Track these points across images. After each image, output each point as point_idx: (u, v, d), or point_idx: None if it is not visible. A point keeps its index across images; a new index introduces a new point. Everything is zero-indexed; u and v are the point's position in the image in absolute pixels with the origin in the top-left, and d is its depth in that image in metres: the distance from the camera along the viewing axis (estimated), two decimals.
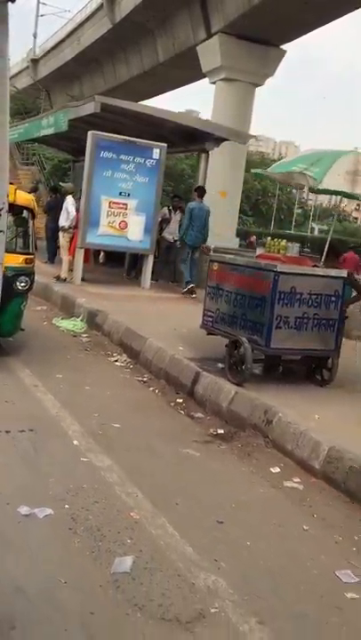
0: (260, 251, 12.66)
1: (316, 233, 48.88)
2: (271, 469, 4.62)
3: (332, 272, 5.98)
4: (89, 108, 10.85)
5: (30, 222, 6.58)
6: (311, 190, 6.22)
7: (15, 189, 6.24)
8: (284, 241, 6.42)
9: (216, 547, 3.41)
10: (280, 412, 5.12)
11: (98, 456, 4.44)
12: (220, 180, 19.95)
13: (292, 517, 3.93)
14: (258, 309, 5.79)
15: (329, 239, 7.08)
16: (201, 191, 11.66)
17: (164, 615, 2.76)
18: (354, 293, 6.63)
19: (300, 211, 58.17)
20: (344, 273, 5.95)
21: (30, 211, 6.55)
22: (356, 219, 65.96)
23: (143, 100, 37.30)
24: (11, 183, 11.86)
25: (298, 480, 4.47)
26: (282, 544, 3.58)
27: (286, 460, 4.77)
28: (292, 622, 2.85)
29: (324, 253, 6.59)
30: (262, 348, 5.77)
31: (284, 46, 25.31)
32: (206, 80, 26.25)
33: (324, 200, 56.40)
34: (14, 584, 2.82)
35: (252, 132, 22.18)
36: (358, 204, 50.79)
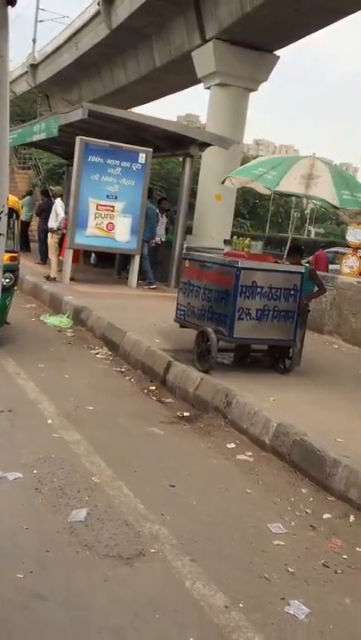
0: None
1: (312, 236, 49.39)
2: (227, 445, 5.11)
3: (291, 267, 6.47)
4: (77, 114, 11.36)
5: (15, 222, 7.07)
6: (273, 191, 6.68)
7: None
8: (248, 239, 6.85)
9: (164, 504, 3.90)
10: (239, 395, 5.60)
11: (69, 432, 4.93)
12: (215, 184, 20.46)
13: (238, 483, 4.41)
14: (223, 302, 6.28)
15: (290, 238, 7.56)
16: (150, 192, 12.77)
17: (108, 553, 3.25)
18: (315, 289, 7.14)
19: (297, 214, 58.74)
20: (302, 269, 6.43)
21: (15, 212, 7.05)
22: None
23: (142, 104, 37.75)
24: None
25: (250, 454, 4.95)
26: (224, 503, 4.06)
27: (242, 438, 5.25)
28: (220, 561, 3.33)
29: (286, 251, 7.07)
30: (226, 338, 6.26)
31: (278, 52, 25.80)
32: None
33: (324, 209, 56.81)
34: None
35: (252, 136, 22.65)
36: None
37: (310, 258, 16.28)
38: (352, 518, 3.98)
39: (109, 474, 4.25)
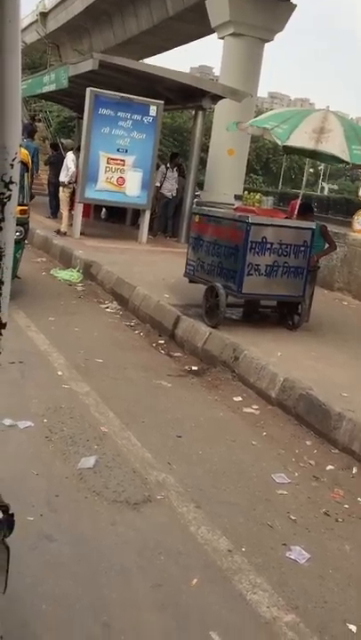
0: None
1: (325, 192, 48.64)
2: (234, 398, 5.18)
3: (301, 224, 6.42)
4: (88, 64, 11.13)
5: (24, 175, 7.03)
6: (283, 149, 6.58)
7: None
8: (259, 195, 6.77)
9: (171, 454, 3.99)
10: (246, 349, 5.65)
11: (78, 384, 5.02)
12: (228, 138, 20.08)
13: (243, 435, 4.49)
14: (232, 258, 6.27)
15: (301, 194, 7.47)
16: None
17: (116, 498, 3.35)
18: (326, 245, 7.10)
19: (311, 170, 57.77)
20: (312, 225, 6.38)
21: (24, 164, 6.99)
22: None
23: (154, 55, 36.85)
24: None
25: (256, 407, 5.03)
26: (229, 453, 4.15)
27: (249, 391, 5.32)
28: (224, 507, 3.43)
29: (297, 208, 7.00)
30: (235, 294, 6.27)
31: (294, 0, 24.95)
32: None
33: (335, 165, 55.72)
34: None
35: (266, 89, 22.09)
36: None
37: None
38: (355, 470, 4.07)
39: (118, 424, 4.34)
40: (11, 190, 1.17)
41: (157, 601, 2.61)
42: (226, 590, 2.75)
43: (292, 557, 3.05)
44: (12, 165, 1.15)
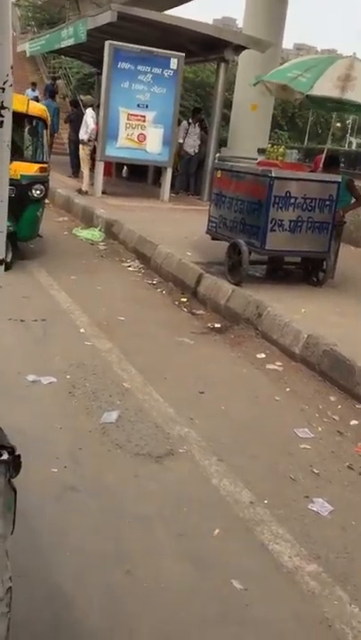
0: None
1: (353, 147, 47.41)
2: (257, 355, 5.15)
3: (327, 177, 6.24)
4: (106, 17, 10.84)
5: (44, 132, 6.94)
6: (307, 103, 6.36)
7: (28, 100, 6.57)
8: (283, 147, 6.57)
9: (193, 409, 3.99)
10: (270, 306, 5.59)
11: (100, 341, 5.03)
12: (251, 93, 19.51)
13: (267, 390, 4.47)
14: (255, 214, 6.15)
15: (326, 149, 7.26)
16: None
17: (139, 452, 3.37)
18: (353, 200, 6.92)
19: (338, 124, 56.16)
20: (338, 178, 6.21)
21: (43, 121, 6.90)
22: None
23: (175, 6, 35.81)
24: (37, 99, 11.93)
25: (279, 363, 4.99)
26: (252, 408, 4.14)
27: (272, 348, 5.28)
28: (246, 461, 3.43)
29: (322, 162, 6.81)
30: (258, 250, 6.18)
31: None
32: None
33: None
34: (17, 427, 3.43)
35: (292, 40, 21.34)
36: None
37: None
38: None
39: (140, 380, 4.35)
40: (3, 116, 1.12)
41: (179, 550, 2.64)
42: (248, 541, 2.77)
43: (314, 509, 3.05)
44: (2, 89, 1.10)
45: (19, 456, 1.38)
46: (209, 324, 5.85)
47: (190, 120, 13.11)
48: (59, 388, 4.06)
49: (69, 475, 3.07)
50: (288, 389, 4.53)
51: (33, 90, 17.90)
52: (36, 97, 15.83)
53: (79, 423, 3.62)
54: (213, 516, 2.90)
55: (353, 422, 4.07)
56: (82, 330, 5.24)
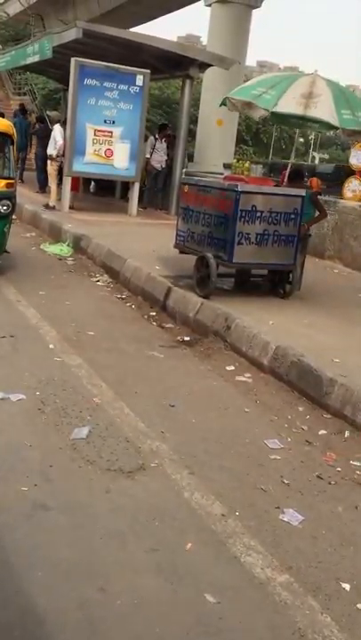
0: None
1: (316, 161, 48.27)
2: (227, 367, 5.19)
3: (292, 191, 6.36)
4: (72, 34, 10.90)
5: (10, 148, 6.92)
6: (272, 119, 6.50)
7: None
8: (248, 162, 6.68)
9: (164, 423, 4.00)
10: (238, 318, 5.64)
11: (70, 356, 5.00)
12: (216, 109, 19.75)
13: (236, 402, 4.51)
14: (222, 227, 6.22)
15: (290, 163, 7.40)
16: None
17: (110, 467, 3.36)
18: (317, 213, 7.06)
19: (301, 140, 57.20)
20: (303, 192, 6.33)
21: (9, 137, 6.88)
22: None
23: (140, 24, 36.10)
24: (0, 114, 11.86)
25: (248, 375, 5.04)
26: (222, 421, 4.17)
27: (241, 360, 5.32)
28: (218, 473, 3.45)
29: (287, 176, 6.93)
30: (226, 263, 6.24)
31: None
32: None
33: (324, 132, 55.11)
34: None
35: (255, 57, 21.74)
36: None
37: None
38: (347, 434, 4.10)
39: (110, 395, 4.34)
40: None
41: (153, 565, 2.64)
42: (220, 553, 2.78)
43: (285, 520, 3.08)
44: None
45: None
46: (178, 338, 5.87)
47: (157, 135, 13.21)
48: (28, 404, 4.03)
49: (40, 493, 3.04)
50: (257, 401, 4.58)
51: None
52: (1, 113, 15.79)
53: (49, 440, 3.59)
54: (186, 529, 2.91)
55: (321, 432, 4.13)
56: (51, 345, 5.21)
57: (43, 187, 13.73)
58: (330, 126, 6.17)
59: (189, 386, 4.71)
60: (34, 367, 4.65)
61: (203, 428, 4.00)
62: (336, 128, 6.05)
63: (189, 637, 2.29)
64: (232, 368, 5.17)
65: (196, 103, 18.12)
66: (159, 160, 13.10)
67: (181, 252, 7.13)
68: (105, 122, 11.17)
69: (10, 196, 6.79)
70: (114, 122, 11.23)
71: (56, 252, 8.97)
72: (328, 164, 40.99)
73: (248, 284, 7.17)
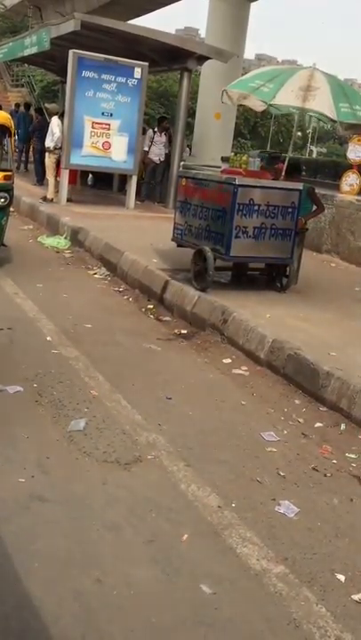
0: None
1: (314, 155, 48.24)
2: (223, 360, 5.20)
3: (289, 185, 6.36)
4: (69, 25, 10.85)
5: (7, 140, 6.90)
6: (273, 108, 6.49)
7: None
8: (246, 156, 6.67)
9: (161, 415, 4.01)
10: (235, 312, 5.65)
11: (67, 349, 5.01)
12: (214, 102, 19.69)
13: (233, 395, 4.52)
14: (219, 221, 6.22)
15: (288, 157, 7.39)
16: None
17: (106, 459, 3.38)
18: (314, 207, 7.06)
19: (299, 133, 57.11)
20: (300, 186, 6.33)
21: (7, 129, 6.86)
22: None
23: (138, 16, 35.93)
24: None
25: (245, 368, 5.05)
26: (219, 414, 4.18)
27: (238, 353, 5.34)
28: (214, 465, 3.46)
29: (284, 169, 6.92)
30: (223, 256, 6.24)
31: None
32: None
33: (324, 124, 55.08)
34: None
35: (253, 50, 21.69)
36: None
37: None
38: (343, 427, 4.12)
39: (108, 387, 4.35)
40: None
41: (149, 556, 2.65)
42: (216, 544, 2.79)
43: (281, 511, 3.10)
44: None
45: None
46: (175, 331, 5.88)
47: (156, 129, 13.17)
48: (25, 396, 4.03)
49: (37, 484, 3.05)
50: (254, 394, 4.59)
51: None
52: None
53: (46, 432, 3.60)
54: (182, 521, 2.92)
55: (317, 425, 4.14)
56: (48, 338, 5.21)
57: (40, 179, 13.69)
58: (329, 118, 6.16)
59: (186, 379, 4.72)
60: (31, 359, 4.65)
61: (199, 420, 4.01)
62: (334, 121, 6.03)
63: (185, 628, 2.31)
64: (229, 361, 5.18)
65: (194, 96, 18.07)
66: (158, 153, 13.07)
67: (179, 246, 7.13)
68: (103, 114, 11.13)
69: (7, 189, 6.77)
70: (112, 114, 11.20)
71: (54, 244, 8.96)
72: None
73: (245, 278, 7.18)
